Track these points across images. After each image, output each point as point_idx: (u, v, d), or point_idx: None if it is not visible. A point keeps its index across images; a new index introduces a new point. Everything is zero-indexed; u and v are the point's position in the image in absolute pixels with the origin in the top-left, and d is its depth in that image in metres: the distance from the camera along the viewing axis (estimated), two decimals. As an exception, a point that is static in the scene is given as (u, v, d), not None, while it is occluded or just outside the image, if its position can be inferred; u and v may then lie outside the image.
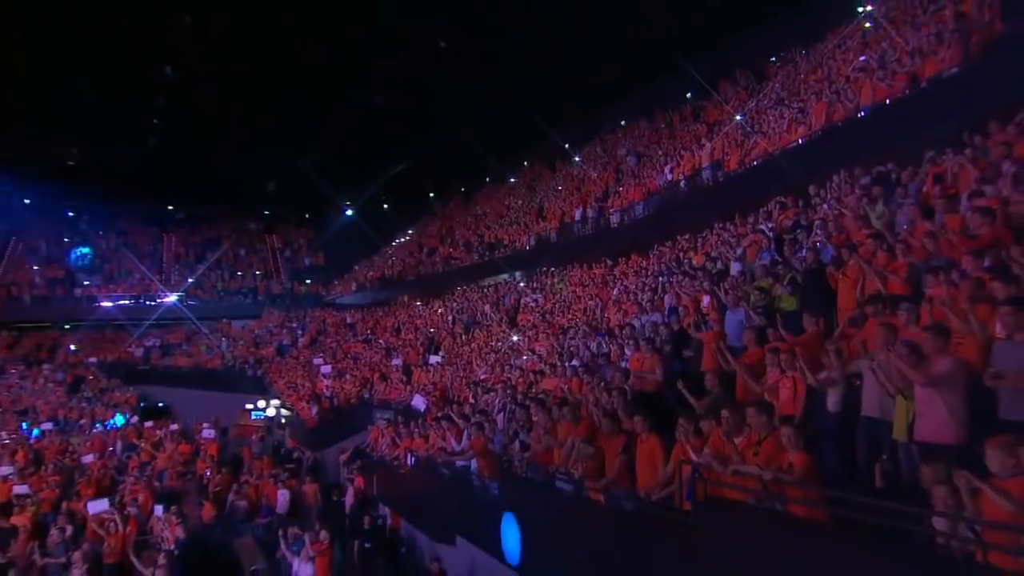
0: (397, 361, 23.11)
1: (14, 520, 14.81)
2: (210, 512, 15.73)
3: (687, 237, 17.29)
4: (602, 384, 10.01)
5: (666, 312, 12.14)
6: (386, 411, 19.15)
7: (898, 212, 9.56)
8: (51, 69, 26.67)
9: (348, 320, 34.39)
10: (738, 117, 21.02)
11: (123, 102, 30.88)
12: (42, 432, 24.99)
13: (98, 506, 14.51)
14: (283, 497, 16.36)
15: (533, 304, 21.67)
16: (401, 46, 26.28)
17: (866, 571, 4.44)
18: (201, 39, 25.37)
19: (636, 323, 12.76)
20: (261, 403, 27.94)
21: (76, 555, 11.88)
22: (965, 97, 11.41)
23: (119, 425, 25.82)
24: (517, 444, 10.35)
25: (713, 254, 14.41)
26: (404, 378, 21.28)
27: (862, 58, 16.65)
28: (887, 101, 13.31)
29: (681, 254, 16.44)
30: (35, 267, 43.50)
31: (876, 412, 5.87)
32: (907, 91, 12.95)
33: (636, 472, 7.17)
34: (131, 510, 14.64)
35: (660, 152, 24.11)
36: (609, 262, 20.27)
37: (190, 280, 43.31)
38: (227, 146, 37.50)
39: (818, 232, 10.70)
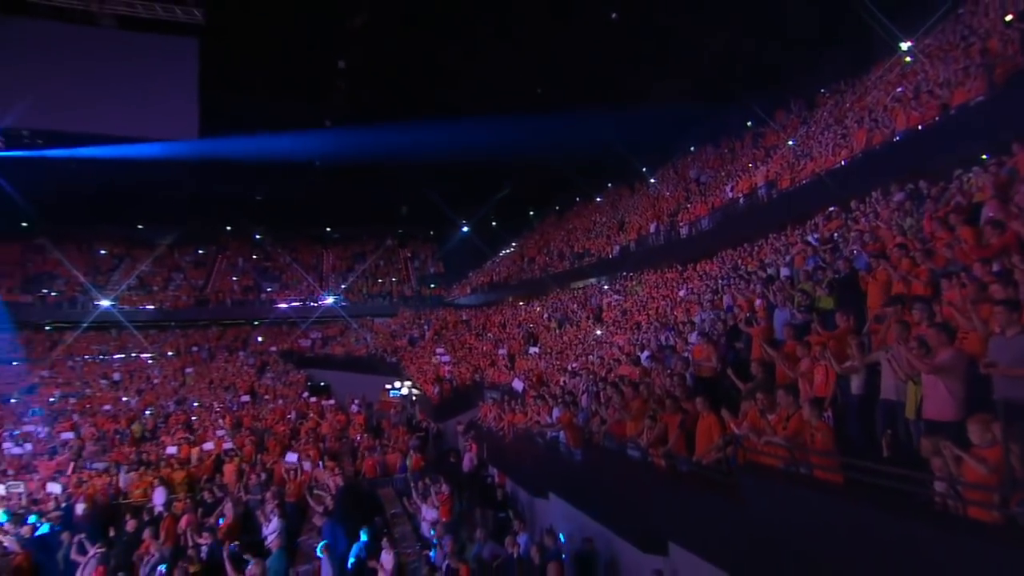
0: (503, 351, 23.47)
1: (226, 468, 15.95)
2: (361, 467, 16.58)
3: (744, 246, 16.98)
4: (667, 371, 10.08)
5: (723, 310, 12.02)
6: (493, 391, 19.53)
7: (925, 224, 9.23)
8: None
9: (464, 317, 34.92)
10: (790, 142, 20.44)
11: (286, 143, 32.52)
12: (241, 403, 26.35)
13: (290, 458, 15.55)
14: (414, 457, 16.99)
15: (614, 304, 21.61)
16: (508, 99, 26.63)
17: (874, 522, 4.57)
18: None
19: (698, 319, 12.67)
20: (397, 384, 28.77)
21: (268, 494, 12.77)
22: (990, 122, 10.84)
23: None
24: (597, 419, 10.51)
25: (766, 261, 14.11)
26: (508, 365, 21.62)
27: (899, 89, 15.98)
28: (919, 127, 12.76)
29: (739, 261, 16.14)
30: (233, 278, 46.00)
31: (892, 395, 5.84)
32: (938, 118, 12.39)
33: (694, 442, 7.29)
34: (305, 463, 15.54)
35: (723, 173, 23.66)
36: (679, 268, 20.06)
37: (343, 286, 44.82)
38: (370, 180, 38.77)
39: (855, 241, 10.42)
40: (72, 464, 17.37)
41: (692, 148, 30.20)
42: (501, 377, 20.69)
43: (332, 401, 26.50)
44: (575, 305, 25.10)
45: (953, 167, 10.48)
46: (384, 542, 9.73)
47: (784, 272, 11.93)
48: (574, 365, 16.57)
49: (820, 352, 6.82)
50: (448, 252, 48.44)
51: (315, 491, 13.36)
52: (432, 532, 11.26)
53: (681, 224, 21.95)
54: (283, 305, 44.11)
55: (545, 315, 26.25)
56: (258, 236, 47.46)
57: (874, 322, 7.21)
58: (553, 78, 24.94)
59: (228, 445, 18.33)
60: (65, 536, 11.24)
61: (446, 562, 9.27)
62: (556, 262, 31.81)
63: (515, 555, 9.05)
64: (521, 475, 13.24)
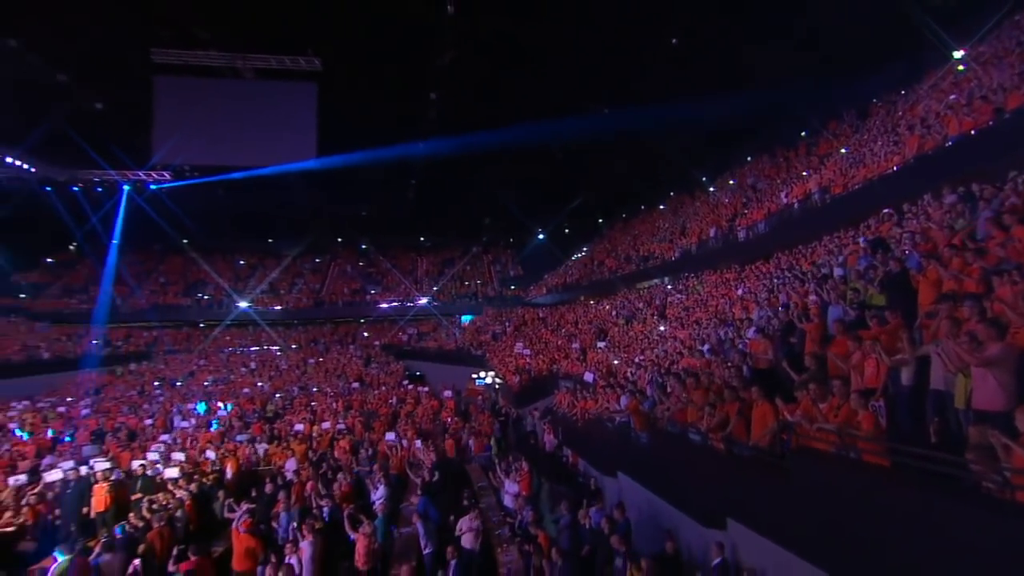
0: (575, 345, 23.37)
1: (339, 444, 16.53)
2: (451, 446, 16.91)
3: (799, 248, 16.30)
4: (726, 363, 9.83)
5: (779, 307, 11.59)
6: (567, 381, 19.47)
7: (978, 224, 8.62)
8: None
9: (540, 315, 34.92)
10: (843, 151, 19.49)
11: (391, 173, 33.64)
12: (351, 389, 27.24)
13: (390, 437, 16.11)
14: (496, 438, 17.20)
15: (677, 302, 21.17)
16: (581, 118, 26.55)
17: (920, 503, 4.39)
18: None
19: (755, 316, 12.27)
20: (482, 374, 29.12)
21: (375, 467, 13.32)
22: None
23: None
24: (661, 406, 10.35)
25: (819, 261, 13.50)
26: (580, 358, 21.50)
27: (952, 96, 14.95)
28: (972, 132, 11.90)
29: (793, 261, 15.51)
30: (344, 283, 47.55)
31: (941, 385, 5.50)
32: (992, 122, 11.53)
33: (751, 428, 7.09)
34: (404, 441, 16.05)
35: (778, 181, 22.77)
36: (737, 268, 19.45)
37: (435, 288, 45.58)
38: (458, 195, 39.45)
39: (907, 242, 9.82)
40: (223, 436, 18.37)
41: (749, 158, 29.14)
42: (574, 369, 20.60)
43: (426, 388, 27.10)
44: (641, 303, 24.70)
45: (1008, 169, 9.71)
46: (474, 512, 9.90)
47: (837, 272, 11.36)
48: (640, 358, 16.35)
49: (871, 346, 6.49)
50: (526, 257, 48.53)
51: (413, 466, 13.79)
52: (513, 504, 11.37)
53: (739, 228, 21.27)
54: (384, 305, 45.17)
55: (613, 313, 25.95)
56: (364, 247, 48.89)
57: (925, 318, 6.81)
58: (620, 97, 24.65)
59: (341, 426, 19.03)
60: (220, 493, 12.09)
61: (526, 529, 9.40)
62: (623, 265, 31.44)
63: (587, 526, 9.05)
64: (593, 456, 13.17)
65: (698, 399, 8.78)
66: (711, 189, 31.11)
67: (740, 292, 16.19)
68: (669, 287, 24.76)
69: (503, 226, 46.78)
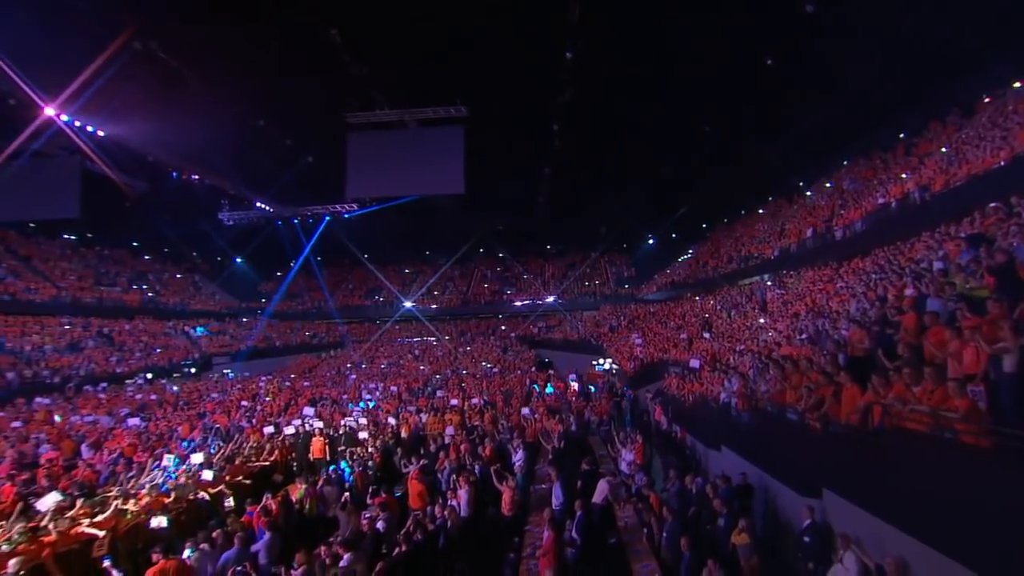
0: (683, 336, 22.61)
1: (485, 416, 17.03)
2: (575, 421, 17.13)
3: (897, 244, 14.60)
4: (822, 351, 9.19)
5: (876, 300, 10.56)
6: (676, 367, 18.94)
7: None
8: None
9: (651, 310, 34.11)
10: (943, 149, 17.13)
11: (519, 189, 34.55)
12: (493, 372, 28.36)
13: (525, 412, 16.52)
14: (613, 414, 17.16)
15: (776, 297, 19.78)
16: (683, 135, 25.65)
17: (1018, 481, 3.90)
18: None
19: (852, 308, 11.26)
20: (601, 360, 29.04)
21: (514, 435, 13.70)
22: None
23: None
24: (761, 388, 9.89)
25: (919, 257, 12.06)
26: (687, 346, 20.80)
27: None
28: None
29: (891, 257, 13.95)
30: (485, 285, 49.35)
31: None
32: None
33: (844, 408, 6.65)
34: (536, 415, 16.49)
35: (875, 182, 20.45)
36: (834, 265, 17.79)
37: (560, 288, 45.89)
38: (579, 210, 39.59)
39: (1015, 235, 8.55)
40: (399, 406, 19.80)
41: (845, 162, 26.38)
42: (681, 356, 19.94)
43: (553, 372, 27.53)
44: (742, 298, 23.34)
45: None
46: (608, 477, 10.05)
47: (938, 265, 10.11)
48: (741, 347, 15.58)
49: (971, 335, 5.84)
50: (638, 259, 47.33)
51: (545, 434, 14.20)
52: (629, 470, 11.38)
53: (836, 228, 19.42)
54: (518, 303, 46.02)
55: (717, 307, 24.76)
56: (501, 255, 49.98)
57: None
58: (723, 114, 23.49)
59: (476, 401, 19.55)
60: (399, 450, 13.16)
61: (640, 492, 9.43)
62: (726, 264, 29.79)
63: (693, 491, 8.90)
64: (699, 431, 12.77)
65: (796, 382, 8.33)
66: (808, 193, 28.50)
67: (837, 287, 14.83)
68: (769, 283, 23.14)
69: (618, 234, 45.86)
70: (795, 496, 7.01)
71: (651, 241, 45.69)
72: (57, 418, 17.49)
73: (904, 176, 17.77)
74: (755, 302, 21.21)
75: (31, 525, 7.50)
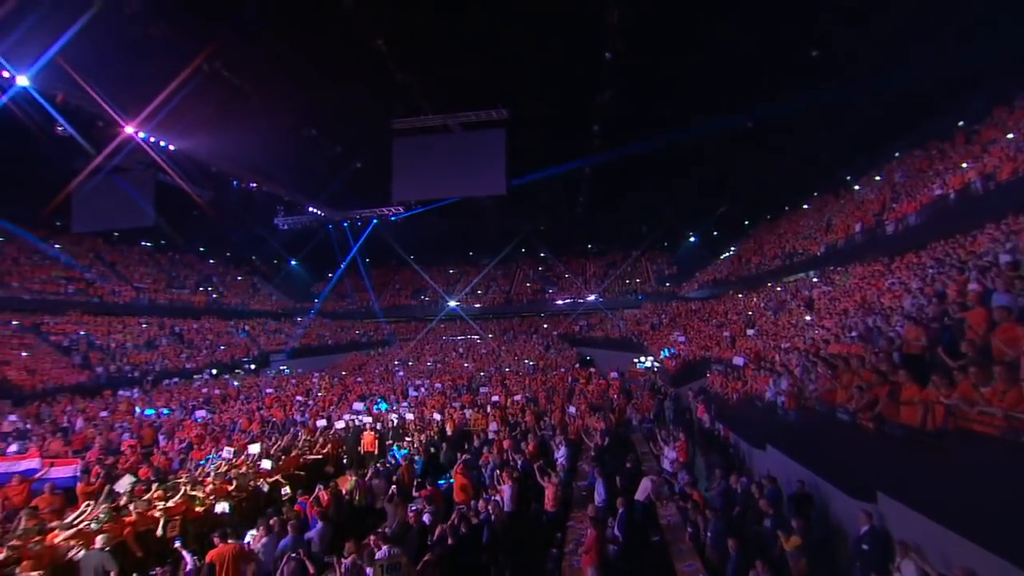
0: (726, 333, 21.88)
1: (528, 412, 16.95)
2: (616, 419, 16.84)
3: (956, 237, 13.64)
4: (874, 349, 8.66)
5: (933, 296, 9.87)
6: (719, 365, 18.35)
7: None
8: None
9: (693, 308, 33.24)
10: (1010, 136, 15.85)
11: (563, 194, 34.34)
12: (535, 369, 28.30)
13: (569, 409, 16.42)
14: (656, 412, 16.78)
15: (822, 293, 18.85)
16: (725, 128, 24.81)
17: None
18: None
19: (906, 304, 10.58)
20: (642, 358, 28.53)
21: (557, 432, 13.62)
22: None
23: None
24: (809, 387, 9.43)
25: (981, 250, 11.20)
26: (730, 344, 20.13)
27: None
28: None
29: (951, 251, 13.04)
30: (527, 284, 49.35)
31: None
32: None
33: (901, 409, 6.22)
34: (579, 412, 16.30)
35: (931, 173, 19.17)
36: (885, 261, 16.80)
37: (601, 287, 45.37)
38: (619, 209, 38.98)
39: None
40: (443, 402, 19.97)
41: (897, 154, 24.86)
42: (724, 354, 19.29)
43: (594, 370, 27.19)
44: (787, 296, 22.38)
45: None
46: (652, 475, 9.84)
47: (1005, 259, 9.33)
48: (786, 345, 14.92)
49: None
50: (679, 258, 46.16)
51: (587, 432, 14.02)
52: (672, 468, 11.09)
53: (887, 222, 18.34)
54: (560, 302, 45.73)
55: (761, 304, 23.83)
56: (542, 255, 49.87)
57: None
58: (765, 110, 22.52)
59: (518, 398, 19.50)
60: (444, 444, 13.34)
61: (684, 490, 9.15)
62: (769, 261, 28.68)
63: (738, 490, 8.58)
64: (743, 429, 12.28)
65: (847, 381, 7.88)
66: (856, 187, 27.04)
67: (889, 282, 13.98)
68: (815, 280, 22.11)
69: (659, 232, 45.01)
70: (846, 498, 6.62)
71: (692, 239, 44.51)
72: (137, 409, 18.59)
73: (965, 165, 16.55)
74: (800, 299, 20.30)
75: (114, 506, 7.99)
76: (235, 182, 28.07)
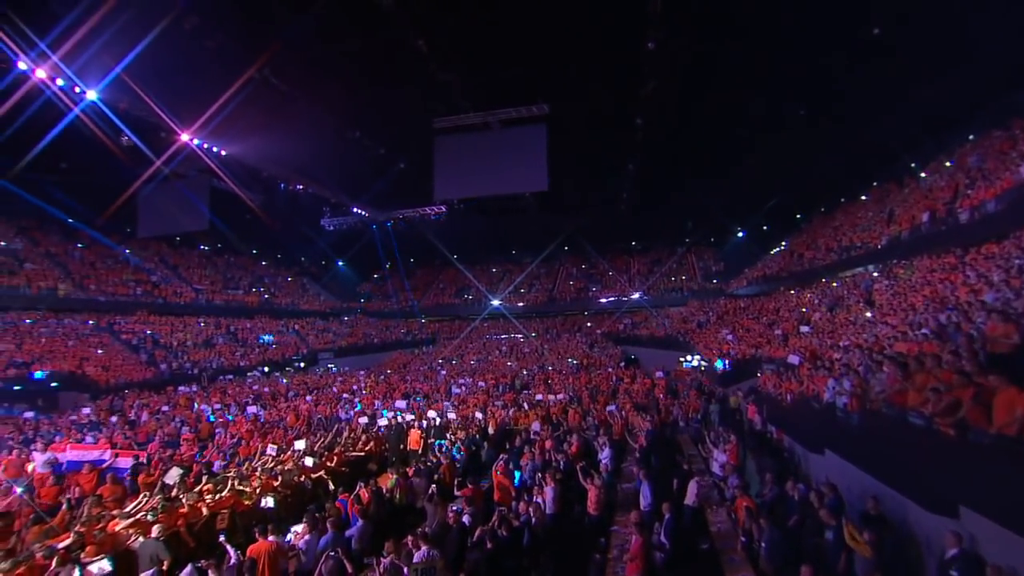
0: (778, 331, 20.83)
1: (570, 412, 16.63)
2: (661, 418, 16.29)
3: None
4: (951, 347, 7.88)
5: (1022, 288, 8.92)
6: (770, 364, 17.48)
7: None
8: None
9: (742, 305, 31.90)
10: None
11: (605, 197, 33.73)
12: (578, 369, 27.93)
13: (611, 408, 16.00)
14: (703, 413, 16.12)
15: (884, 288, 17.60)
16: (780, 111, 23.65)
17: None
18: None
19: (988, 298, 9.64)
20: (689, 357, 27.65)
21: (600, 432, 13.34)
22: None
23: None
24: (875, 388, 8.69)
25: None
26: (782, 343, 19.13)
27: None
28: None
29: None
30: (570, 282, 48.40)
31: None
32: None
33: (990, 414, 5.52)
34: (623, 412, 15.87)
35: (1015, 155, 17.50)
36: (958, 252, 15.48)
37: (645, 284, 44.28)
38: (664, 205, 37.99)
39: None
40: (485, 400, 19.87)
41: (971, 136, 22.90)
42: (777, 352, 18.34)
43: (639, 369, 26.53)
44: (844, 291, 21.07)
45: None
46: (698, 477, 9.39)
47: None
48: (845, 342, 13.97)
49: None
50: (727, 253, 44.47)
51: (631, 432, 13.57)
52: (722, 471, 10.55)
53: (960, 210, 16.88)
54: (604, 300, 44.86)
55: (816, 301, 22.55)
56: (586, 252, 49.00)
57: None
58: (820, 95, 21.27)
59: (561, 396, 19.22)
60: (485, 443, 13.24)
61: (734, 494, 8.63)
62: (824, 255, 27.10)
63: (795, 498, 8.00)
64: (798, 433, 11.53)
65: (921, 383, 7.15)
66: (922, 175, 25.14)
67: (970, 275, 12.82)
68: (875, 274, 20.70)
69: (705, 228, 43.66)
70: (921, 512, 6.02)
71: (741, 234, 42.88)
72: (196, 405, 19.45)
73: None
74: (859, 295, 19.07)
75: (168, 497, 8.27)
76: (282, 184, 29.04)
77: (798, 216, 38.90)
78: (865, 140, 24.71)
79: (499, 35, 17.75)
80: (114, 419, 16.85)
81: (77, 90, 16.48)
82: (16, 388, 19.97)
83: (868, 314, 15.99)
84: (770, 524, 6.81)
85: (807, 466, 10.56)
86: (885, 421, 7.62)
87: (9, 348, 21.69)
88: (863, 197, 30.73)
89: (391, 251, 41.17)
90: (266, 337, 30.08)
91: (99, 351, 24.49)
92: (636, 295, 42.89)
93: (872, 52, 17.92)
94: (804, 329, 18.89)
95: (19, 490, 9.25)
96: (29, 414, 17.55)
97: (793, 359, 14.87)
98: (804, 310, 22.26)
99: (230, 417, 17.20)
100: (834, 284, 23.60)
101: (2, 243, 27.42)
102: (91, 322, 26.49)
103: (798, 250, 32.55)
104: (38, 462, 10.87)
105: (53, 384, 21.02)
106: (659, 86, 20.04)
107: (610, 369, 26.81)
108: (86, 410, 17.59)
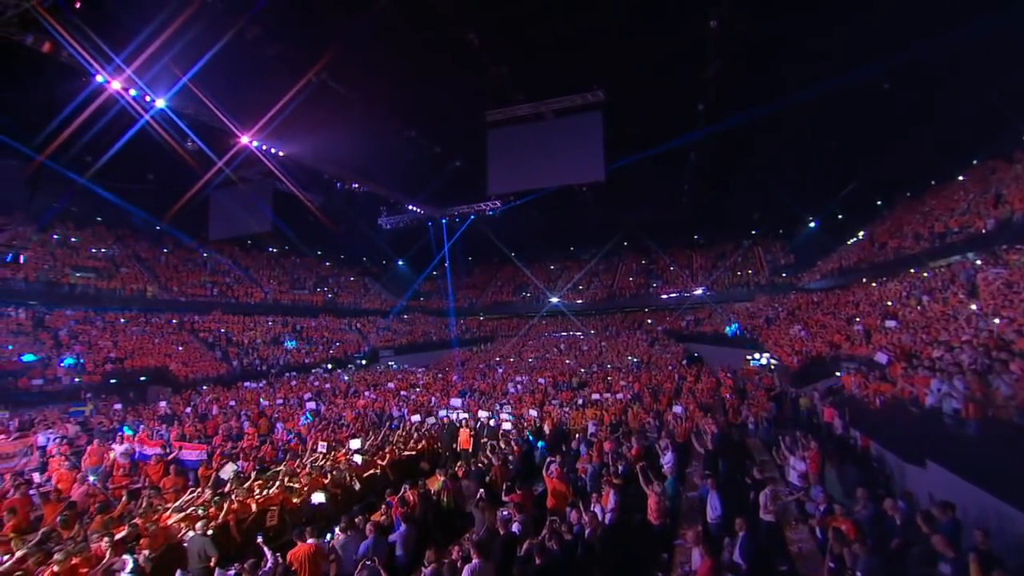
0: (858, 327, 18.87)
1: (629, 412, 16.03)
2: (729, 420, 15.10)
3: None
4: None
5: None
6: (851, 363, 15.77)
7: None
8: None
9: (815, 299, 29.43)
10: None
11: (665, 189, 32.26)
12: (639, 366, 26.81)
13: (677, 409, 15.02)
14: (771, 413, 14.79)
15: (993, 278, 15.42)
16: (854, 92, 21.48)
17: None
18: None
19: None
20: (757, 355, 25.88)
21: (663, 434, 12.39)
22: None
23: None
24: (1002, 390, 7.35)
25: None
26: (864, 339, 17.27)
27: None
28: None
29: None
30: (630, 278, 47.24)
31: None
32: None
33: None
34: (688, 413, 14.85)
35: None
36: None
37: (709, 280, 42.29)
38: (728, 195, 35.98)
39: None
40: (542, 399, 19.41)
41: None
42: (858, 350, 16.57)
43: (704, 367, 25.05)
44: (938, 282, 18.78)
45: None
46: (772, 485, 8.40)
47: None
48: (944, 336, 12.25)
49: None
50: (797, 245, 41.46)
51: (697, 434, 12.56)
52: (800, 482, 9.40)
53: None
54: (665, 296, 43.41)
55: (903, 293, 20.27)
56: (646, 247, 47.50)
57: None
58: (904, 66, 18.95)
59: (620, 395, 18.44)
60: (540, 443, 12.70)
61: (821, 510, 7.55)
62: (913, 243, 24.38)
63: (895, 519, 6.84)
64: (891, 441, 10.16)
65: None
66: (1037, 149, 22.00)
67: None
68: (978, 262, 18.28)
69: (773, 219, 41.03)
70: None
71: (812, 224, 39.85)
72: (262, 400, 20.13)
73: None
74: (958, 285, 16.88)
75: (220, 492, 8.28)
76: (339, 184, 29.66)
77: (878, 203, 35.56)
78: (959, 115, 21.95)
79: (551, 21, 17.09)
80: (188, 411, 17.68)
81: (148, 99, 17.41)
82: (112, 381, 21.52)
83: (973, 307, 14.03)
84: (868, 551, 5.78)
85: (903, 479, 9.23)
86: (1011, 431, 6.38)
87: (107, 345, 23.42)
88: (960, 178, 27.47)
89: (449, 249, 41.38)
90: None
91: (180, 348, 26.01)
92: (699, 291, 41.04)
93: (969, 4, 15.59)
94: (890, 324, 16.95)
95: (92, 479, 9.63)
96: (117, 406, 18.78)
97: (881, 357, 13.25)
98: (888, 303, 20.07)
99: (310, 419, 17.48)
100: (924, 275, 21.15)
101: (103, 249, 29.79)
102: (174, 321, 28.22)
103: (880, 239, 29.57)
104: (117, 452, 11.38)
105: (142, 379, 22.52)
106: (722, 67, 18.64)
107: (670, 368, 25.47)
108: (163, 403, 18.58)
